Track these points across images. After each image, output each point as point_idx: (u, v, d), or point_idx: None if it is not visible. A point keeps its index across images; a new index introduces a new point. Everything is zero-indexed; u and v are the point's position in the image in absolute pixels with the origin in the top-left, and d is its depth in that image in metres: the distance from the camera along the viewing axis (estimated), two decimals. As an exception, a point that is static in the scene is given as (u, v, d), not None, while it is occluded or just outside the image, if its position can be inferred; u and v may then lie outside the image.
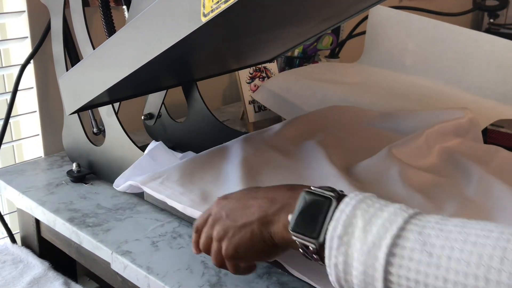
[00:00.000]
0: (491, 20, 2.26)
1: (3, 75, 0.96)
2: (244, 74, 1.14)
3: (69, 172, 0.85)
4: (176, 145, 0.98)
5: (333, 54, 1.46)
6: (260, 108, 1.15)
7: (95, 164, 0.84)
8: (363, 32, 1.44)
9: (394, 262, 0.41)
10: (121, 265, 0.65)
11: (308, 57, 1.30)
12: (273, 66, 1.20)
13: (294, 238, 0.47)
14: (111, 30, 0.79)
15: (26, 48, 0.91)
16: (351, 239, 0.43)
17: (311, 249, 0.46)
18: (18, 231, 0.91)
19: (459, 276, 0.38)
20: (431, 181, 0.72)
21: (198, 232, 0.55)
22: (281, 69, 1.28)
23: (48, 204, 0.78)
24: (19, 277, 0.77)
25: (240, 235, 0.50)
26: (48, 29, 0.88)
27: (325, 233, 0.44)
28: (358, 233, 0.43)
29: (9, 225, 0.90)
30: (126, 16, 0.80)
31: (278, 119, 1.14)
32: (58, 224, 0.75)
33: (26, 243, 0.89)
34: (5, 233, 0.90)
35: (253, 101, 1.15)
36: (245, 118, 1.15)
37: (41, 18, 0.89)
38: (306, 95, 1.09)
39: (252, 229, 0.50)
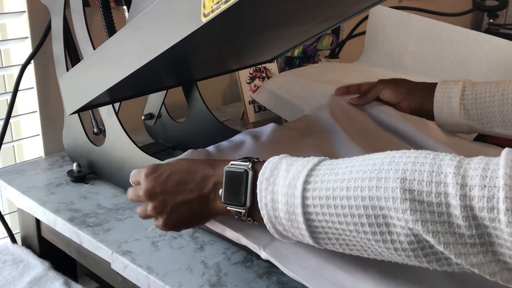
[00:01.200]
0: (491, 20, 2.26)
1: (4, 75, 0.96)
2: (244, 74, 1.14)
3: (70, 172, 0.85)
4: (176, 145, 0.99)
5: (333, 54, 1.46)
6: (260, 108, 1.15)
7: (96, 164, 0.85)
8: (363, 32, 1.44)
9: (309, 187, 0.48)
10: (121, 265, 0.65)
11: (308, 57, 1.30)
12: (273, 66, 1.20)
13: (229, 208, 0.54)
14: (111, 30, 0.79)
15: (26, 48, 0.91)
16: (276, 179, 0.50)
17: (243, 213, 0.53)
18: (19, 231, 0.91)
19: (357, 182, 0.45)
20: None
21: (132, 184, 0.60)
22: (281, 69, 1.28)
23: (49, 204, 0.78)
24: (19, 277, 0.77)
25: (179, 211, 0.56)
26: (48, 29, 0.88)
27: (250, 199, 0.52)
28: (281, 173, 0.50)
29: (10, 225, 0.90)
30: (127, 16, 0.80)
31: (278, 119, 1.14)
32: (58, 224, 0.75)
33: (26, 243, 0.89)
34: (5, 233, 0.90)
35: (253, 101, 1.15)
36: (245, 118, 1.15)
37: (41, 18, 0.89)
38: (306, 95, 1.09)
39: (191, 206, 0.56)
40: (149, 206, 0.57)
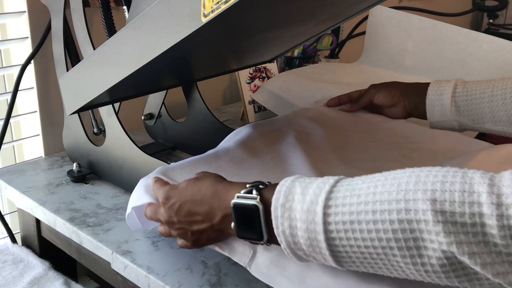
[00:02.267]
0: (491, 21, 2.26)
1: (4, 75, 0.96)
2: (244, 74, 1.14)
3: (70, 172, 0.85)
4: (176, 145, 0.99)
5: (333, 54, 1.46)
6: (260, 108, 1.15)
7: (96, 164, 0.85)
8: (363, 32, 1.44)
9: (330, 212, 0.46)
10: (121, 265, 0.65)
11: (308, 57, 1.31)
12: (273, 66, 1.20)
13: (245, 240, 0.53)
14: (111, 30, 0.79)
15: (26, 48, 0.91)
16: (292, 204, 0.48)
17: (261, 244, 0.52)
18: (19, 231, 0.91)
19: (383, 205, 0.43)
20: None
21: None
22: (281, 69, 1.28)
23: (49, 204, 0.78)
24: (19, 277, 0.77)
25: (197, 237, 0.57)
26: (48, 29, 0.88)
27: (266, 232, 0.51)
28: (297, 197, 0.48)
29: (10, 225, 0.90)
30: (127, 17, 0.80)
31: (278, 119, 1.14)
32: (58, 224, 0.75)
33: (26, 243, 0.89)
34: (5, 233, 0.90)
35: (253, 101, 1.15)
36: (245, 118, 1.15)
37: (41, 18, 0.89)
38: (306, 95, 1.09)
39: (208, 233, 0.56)
40: (173, 233, 0.59)
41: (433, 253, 0.41)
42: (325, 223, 0.46)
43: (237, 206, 0.52)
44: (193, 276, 0.61)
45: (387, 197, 0.43)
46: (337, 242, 0.46)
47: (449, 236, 0.40)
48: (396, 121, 0.92)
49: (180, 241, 0.60)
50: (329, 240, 0.46)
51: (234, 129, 0.85)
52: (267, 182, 0.53)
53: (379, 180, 0.45)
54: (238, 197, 0.52)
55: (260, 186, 0.52)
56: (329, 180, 0.48)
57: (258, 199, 0.50)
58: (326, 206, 0.46)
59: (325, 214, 0.46)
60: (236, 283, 0.60)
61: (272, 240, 0.51)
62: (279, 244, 0.50)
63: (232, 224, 0.53)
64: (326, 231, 0.46)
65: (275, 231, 0.49)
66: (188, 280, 0.60)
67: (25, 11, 0.88)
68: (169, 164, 0.70)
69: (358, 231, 0.44)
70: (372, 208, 0.44)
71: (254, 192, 0.51)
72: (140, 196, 0.63)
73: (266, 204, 0.50)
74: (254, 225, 0.51)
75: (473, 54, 1.24)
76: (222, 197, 0.54)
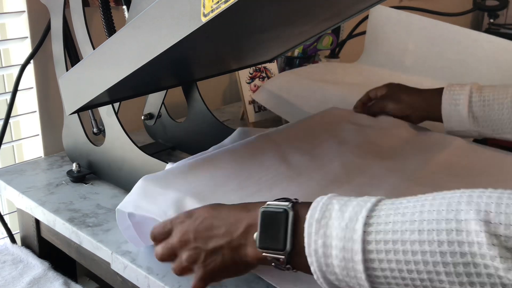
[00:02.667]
0: (491, 20, 2.26)
1: (3, 75, 0.96)
2: (244, 74, 1.14)
3: (69, 172, 0.85)
4: (176, 145, 0.98)
5: (333, 54, 1.46)
6: (260, 108, 1.15)
7: (95, 164, 0.84)
8: (363, 32, 1.44)
9: (371, 230, 0.42)
10: (121, 265, 0.65)
11: (308, 57, 1.30)
12: (273, 66, 1.20)
13: (264, 254, 0.47)
14: (111, 30, 0.79)
15: (26, 48, 0.91)
16: (329, 221, 0.44)
17: (282, 260, 0.47)
18: (18, 231, 0.91)
19: (431, 224, 0.39)
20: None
21: (157, 241, 0.54)
22: (281, 69, 1.28)
23: (48, 204, 0.78)
24: (19, 277, 0.77)
25: (212, 259, 0.50)
26: (48, 29, 0.88)
27: (291, 242, 0.46)
28: (335, 214, 0.44)
29: (9, 225, 0.90)
30: (126, 16, 0.80)
31: (278, 119, 1.14)
32: (58, 224, 0.75)
33: (26, 243, 0.89)
34: (5, 233, 0.90)
35: (253, 101, 1.15)
36: (245, 118, 1.15)
37: (41, 18, 0.89)
38: (306, 95, 1.09)
39: (223, 253, 0.50)
40: (183, 256, 0.51)
41: (487, 280, 0.37)
42: (365, 242, 0.42)
43: (265, 212, 0.47)
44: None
45: (436, 216, 0.40)
46: (376, 265, 0.41)
47: (506, 262, 0.36)
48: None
49: (194, 280, 0.52)
50: (367, 262, 0.42)
51: (234, 129, 0.84)
52: (295, 199, 0.49)
53: (426, 200, 0.42)
54: (268, 205, 0.48)
55: (293, 200, 0.48)
56: (370, 198, 0.45)
57: (289, 206, 0.47)
58: (366, 224, 0.42)
59: (365, 233, 0.42)
60: (236, 283, 0.59)
61: (296, 261, 0.46)
62: (304, 269, 0.46)
63: (255, 235, 0.48)
64: (365, 251, 0.41)
65: (306, 250, 0.44)
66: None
67: (24, 11, 0.88)
68: (167, 163, 0.70)
69: (402, 252, 0.40)
70: (419, 227, 0.40)
71: (286, 202, 0.47)
72: (143, 205, 0.60)
73: (297, 217, 0.46)
74: (279, 232, 0.46)
75: (473, 54, 1.23)
76: (250, 209, 0.50)
